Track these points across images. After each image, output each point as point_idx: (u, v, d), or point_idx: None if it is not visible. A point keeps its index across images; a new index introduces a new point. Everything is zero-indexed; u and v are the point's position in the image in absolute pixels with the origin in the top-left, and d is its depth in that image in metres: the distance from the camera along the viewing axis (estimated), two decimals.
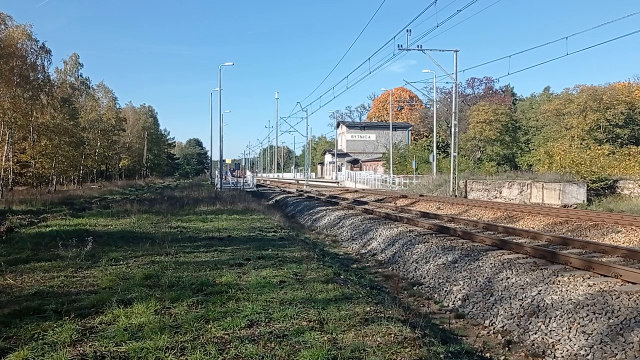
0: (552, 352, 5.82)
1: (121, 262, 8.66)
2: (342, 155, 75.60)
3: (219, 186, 40.34)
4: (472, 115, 60.23)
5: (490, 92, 72.96)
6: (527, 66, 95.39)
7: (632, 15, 30.97)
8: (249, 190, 39.91)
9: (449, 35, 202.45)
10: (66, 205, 23.83)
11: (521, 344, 6.24)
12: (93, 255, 9.02)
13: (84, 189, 41.15)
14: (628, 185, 22.19)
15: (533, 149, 55.28)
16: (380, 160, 63.68)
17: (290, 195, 34.16)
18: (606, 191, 22.60)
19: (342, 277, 8.12)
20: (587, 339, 5.66)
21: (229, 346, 4.61)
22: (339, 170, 70.72)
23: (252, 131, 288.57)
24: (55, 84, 39.87)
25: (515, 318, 6.80)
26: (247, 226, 14.81)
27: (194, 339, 4.77)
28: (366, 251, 13.18)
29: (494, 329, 6.86)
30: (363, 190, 38.57)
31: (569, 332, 5.94)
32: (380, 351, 4.57)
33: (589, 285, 6.82)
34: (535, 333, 6.28)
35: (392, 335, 5.03)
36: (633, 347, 5.23)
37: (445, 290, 8.66)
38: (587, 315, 6.04)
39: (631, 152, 33.81)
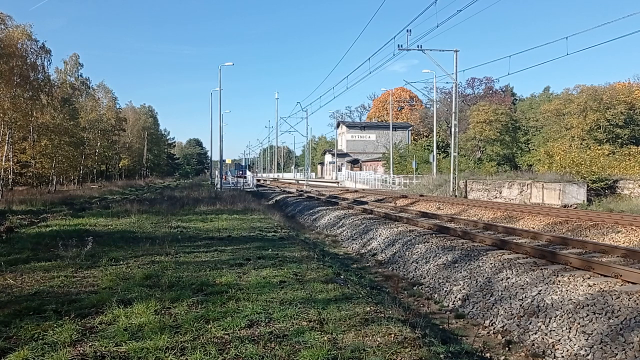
0: (552, 352, 5.82)
1: (121, 262, 8.66)
2: (342, 155, 75.59)
3: (219, 186, 40.34)
4: (472, 115, 60.22)
5: (490, 92, 72.99)
6: (527, 66, 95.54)
7: (632, 15, 30.99)
8: (249, 190, 39.92)
9: (449, 35, 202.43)
10: (66, 205, 23.83)
11: (521, 344, 6.24)
12: (93, 255, 9.02)
13: (84, 189, 41.14)
14: (628, 185, 22.18)
15: (533, 149, 55.29)
16: (380, 161, 63.69)
17: (290, 195, 34.16)
18: (606, 191, 22.60)
19: (342, 277, 8.12)
20: (587, 339, 5.66)
21: (229, 346, 4.61)
22: (339, 170, 70.74)
23: (252, 131, 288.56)
24: (55, 84, 39.81)
25: (515, 318, 6.80)
26: (247, 226, 14.81)
27: (194, 339, 4.77)
28: (366, 251, 13.17)
29: (494, 329, 6.86)
30: (363, 190, 38.57)
31: (569, 332, 5.94)
32: (380, 351, 4.57)
33: (589, 285, 6.81)
34: (536, 333, 6.28)
35: (392, 335, 5.03)
36: (633, 347, 5.23)
37: (445, 290, 8.66)
38: (587, 315, 6.04)
39: (631, 152, 33.82)
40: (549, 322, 6.31)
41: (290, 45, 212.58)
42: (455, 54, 28.12)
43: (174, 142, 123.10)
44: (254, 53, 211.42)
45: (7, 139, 29.95)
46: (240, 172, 51.73)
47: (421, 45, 26.96)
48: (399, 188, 40.82)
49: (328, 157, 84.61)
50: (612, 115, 50.25)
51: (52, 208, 22.25)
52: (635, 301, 6.03)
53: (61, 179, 44.18)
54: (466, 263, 9.28)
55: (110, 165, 60.83)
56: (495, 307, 7.30)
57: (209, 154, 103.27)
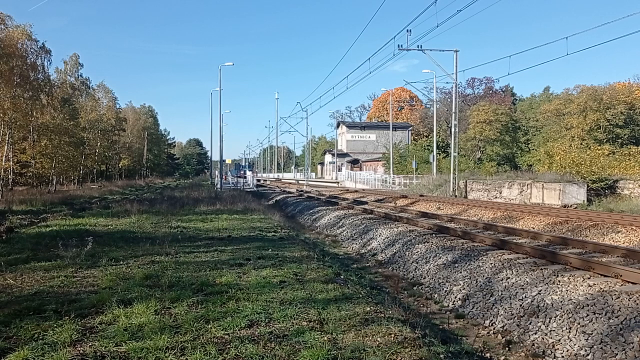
0: (552, 352, 5.82)
1: (121, 262, 8.65)
2: (342, 155, 75.60)
3: (219, 186, 40.34)
4: (472, 115, 60.26)
5: (490, 92, 73.03)
6: (527, 66, 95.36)
7: (632, 15, 30.92)
8: (249, 190, 39.91)
9: (449, 35, 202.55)
10: (66, 205, 23.83)
11: (521, 344, 6.24)
12: (93, 255, 9.01)
13: (84, 189, 41.15)
14: (628, 186, 22.18)
15: (533, 149, 55.31)
16: (380, 161, 63.70)
17: (290, 195, 34.16)
18: (606, 191, 22.60)
19: (342, 277, 8.12)
20: (587, 339, 5.66)
21: (229, 346, 4.61)
22: (339, 170, 70.74)
23: (252, 131, 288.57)
24: (55, 84, 39.83)
25: (515, 318, 6.80)
26: (247, 226, 14.81)
27: (194, 339, 4.76)
28: (366, 251, 13.17)
29: (494, 329, 6.86)
30: (363, 190, 38.57)
31: (569, 332, 5.94)
32: (380, 351, 4.57)
33: (589, 285, 6.81)
34: (536, 333, 6.28)
35: (392, 335, 5.03)
36: (633, 347, 5.23)
37: (445, 290, 8.66)
38: (587, 315, 6.04)
39: (631, 152, 33.82)
40: (549, 322, 6.31)
41: (290, 45, 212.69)
42: (455, 54, 28.14)
43: (174, 142, 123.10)
44: (254, 53, 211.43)
45: (7, 139, 29.94)
46: (242, 172, 51.72)
47: (421, 45, 26.99)
48: (399, 188, 40.82)
49: (328, 157, 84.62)
50: (612, 115, 50.28)
51: (52, 208, 22.26)
52: (635, 301, 6.03)
53: (61, 179, 44.18)
54: (466, 263, 9.28)
55: (110, 165, 60.82)
56: (495, 307, 7.30)
57: (209, 154, 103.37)
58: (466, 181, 29.14)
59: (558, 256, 8.50)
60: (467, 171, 35.85)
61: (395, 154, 53.14)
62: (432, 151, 40.23)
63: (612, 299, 6.20)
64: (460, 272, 8.99)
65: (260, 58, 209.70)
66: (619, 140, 49.78)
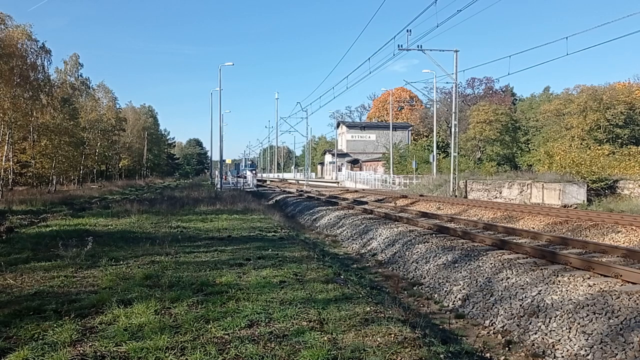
0: (552, 352, 5.82)
1: (121, 262, 8.65)
2: (342, 155, 75.60)
3: (219, 186, 40.35)
4: (472, 115, 60.27)
5: (490, 92, 73.05)
6: (527, 66, 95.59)
7: (632, 15, 30.94)
8: (249, 190, 39.91)
9: (449, 35, 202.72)
10: (66, 205, 23.83)
11: (521, 344, 6.24)
12: (93, 255, 9.01)
13: (84, 189, 41.13)
14: (628, 186, 22.18)
15: (533, 149, 55.33)
16: (380, 161, 63.72)
17: (290, 195, 34.17)
18: (606, 191, 22.60)
19: (342, 277, 8.12)
20: (587, 339, 5.66)
21: (229, 346, 4.61)
22: (339, 170, 70.75)
23: (252, 131, 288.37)
24: (55, 84, 39.83)
25: (516, 318, 6.80)
26: (247, 226, 14.81)
27: (194, 339, 4.77)
28: (366, 251, 13.17)
29: (494, 329, 6.86)
30: (363, 190, 38.58)
31: (569, 332, 5.94)
32: (380, 351, 4.57)
33: (589, 286, 6.82)
34: (536, 333, 6.28)
35: (392, 335, 5.03)
36: (633, 347, 5.23)
37: (445, 290, 8.66)
38: (587, 315, 6.04)
39: (631, 152, 33.85)
40: (549, 322, 6.31)
41: (290, 45, 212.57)
42: (455, 54, 28.14)
43: (174, 142, 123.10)
44: (254, 53, 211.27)
45: (7, 139, 29.94)
46: (243, 172, 51.68)
47: (421, 45, 27.01)
48: (399, 188, 40.83)
49: (328, 157, 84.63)
50: (612, 115, 50.30)
51: (52, 208, 22.26)
52: (635, 301, 6.03)
53: (61, 179, 44.17)
54: (466, 263, 9.28)
55: (110, 165, 60.81)
56: (495, 307, 7.30)
57: (209, 154, 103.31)
58: (466, 181, 29.15)
59: (558, 256, 8.50)
60: (467, 171, 35.85)
61: (395, 154, 53.16)
62: (432, 151, 40.23)
63: (612, 299, 6.20)
64: (460, 272, 8.99)
65: (260, 58, 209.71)
66: (619, 140, 49.80)
